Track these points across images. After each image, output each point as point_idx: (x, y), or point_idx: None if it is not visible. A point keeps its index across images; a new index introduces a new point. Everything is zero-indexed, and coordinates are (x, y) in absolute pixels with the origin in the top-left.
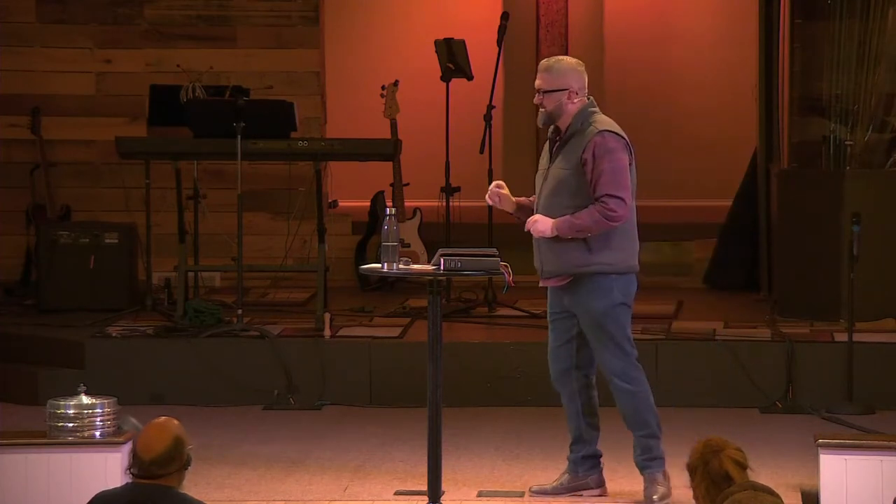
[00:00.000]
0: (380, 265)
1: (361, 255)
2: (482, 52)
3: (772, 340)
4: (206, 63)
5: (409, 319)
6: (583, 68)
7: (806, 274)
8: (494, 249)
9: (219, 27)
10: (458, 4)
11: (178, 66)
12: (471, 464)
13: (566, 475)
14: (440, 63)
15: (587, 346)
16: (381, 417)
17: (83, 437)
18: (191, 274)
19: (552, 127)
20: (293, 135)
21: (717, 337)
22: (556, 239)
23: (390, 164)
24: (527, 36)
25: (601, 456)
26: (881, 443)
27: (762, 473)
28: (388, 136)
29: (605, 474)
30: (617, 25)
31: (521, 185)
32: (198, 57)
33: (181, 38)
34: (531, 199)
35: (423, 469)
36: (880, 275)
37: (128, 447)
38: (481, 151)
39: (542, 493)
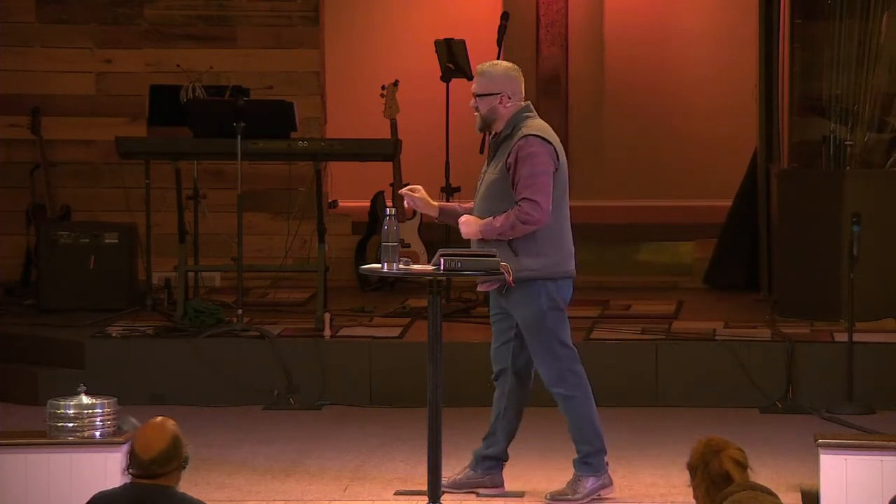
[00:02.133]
0: (380, 265)
1: (361, 255)
2: (482, 52)
3: (772, 340)
4: (206, 63)
5: (409, 319)
6: (517, 73)
7: (806, 274)
8: (494, 249)
9: (219, 27)
10: (458, 4)
11: (178, 66)
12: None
13: (467, 470)
14: (440, 63)
15: (525, 350)
16: (381, 417)
17: (83, 437)
18: (191, 274)
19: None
20: (293, 135)
21: (717, 337)
22: (486, 243)
23: (390, 164)
24: (527, 36)
25: (506, 460)
26: (881, 443)
27: (762, 473)
28: (388, 136)
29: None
30: (617, 25)
31: None
32: (198, 57)
33: (181, 38)
34: (462, 203)
35: (423, 469)
36: (880, 275)
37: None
38: (481, 151)
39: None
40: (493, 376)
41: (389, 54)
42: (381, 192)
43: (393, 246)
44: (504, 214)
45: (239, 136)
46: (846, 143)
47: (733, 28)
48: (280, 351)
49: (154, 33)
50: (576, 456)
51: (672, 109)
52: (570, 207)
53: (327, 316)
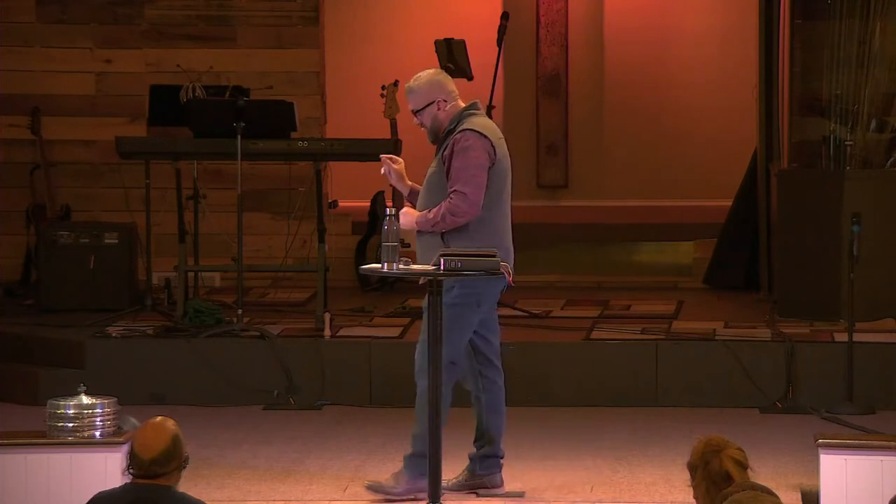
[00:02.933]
0: (380, 265)
1: (361, 255)
2: (482, 52)
3: (772, 340)
4: (206, 63)
5: (409, 319)
6: (443, 76)
7: (806, 274)
8: (494, 249)
9: (219, 27)
10: (458, 4)
11: (178, 66)
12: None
13: (465, 472)
14: (440, 63)
15: (483, 346)
16: (381, 417)
17: (83, 437)
18: (191, 274)
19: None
20: (293, 135)
21: (717, 337)
22: (421, 235)
23: None
24: (527, 36)
25: (502, 457)
26: (881, 443)
27: (762, 473)
28: (388, 136)
29: (605, 476)
30: (617, 25)
31: (520, 185)
32: (198, 57)
33: (181, 38)
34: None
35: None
36: (880, 275)
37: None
38: None
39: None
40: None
41: (389, 54)
42: (381, 192)
43: (393, 246)
44: (437, 206)
45: (239, 136)
46: (846, 143)
47: (733, 28)
48: (280, 351)
49: (154, 33)
50: (409, 452)
51: (672, 109)
52: (570, 207)
53: (327, 316)
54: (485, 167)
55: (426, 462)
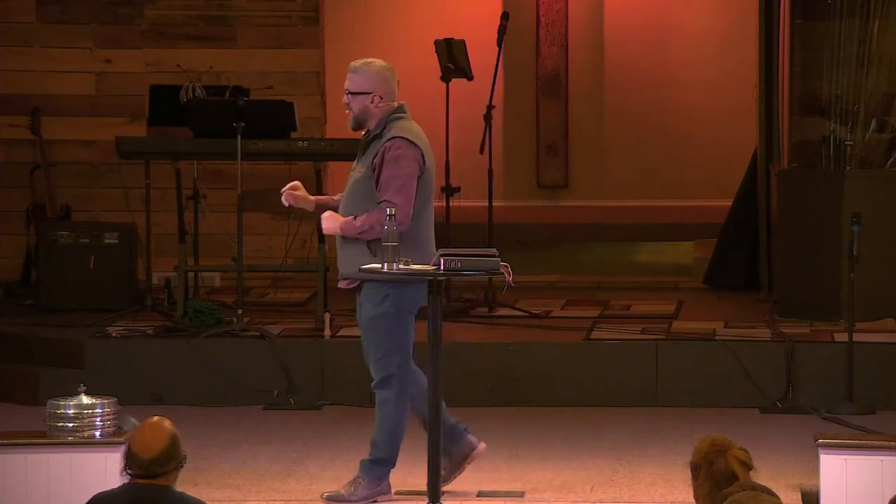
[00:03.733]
0: (380, 265)
1: None
2: (482, 52)
3: (772, 340)
4: (206, 63)
5: None
6: (392, 73)
7: (806, 274)
8: (494, 249)
9: (219, 27)
10: (458, 4)
11: (178, 66)
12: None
13: (448, 465)
14: (440, 63)
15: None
16: None
17: (83, 437)
18: (191, 274)
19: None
20: (293, 135)
21: (717, 337)
22: (345, 242)
23: None
24: (527, 36)
25: (393, 465)
26: (881, 443)
27: (762, 473)
28: None
29: (605, 476)
30: (617, 25)
31: (520, 184)
32: (198, 57)
33: (181, 38)
34: (333, 196)
35: (423, 469)
36: (880, 275)
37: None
38: (481, 151)
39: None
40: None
41: (389, 54)
42: None
43: (393, 246)
44: (365, 214)
45: (239, 136)
46: (846, 143)
47: (733, 28)
48: (280, 351)
49: (154, 33)
50: (367, 458)
51: (672, 109)
52: (570, 207)
53: (327, 316)
54: (415, 177)
55: (385, 468)
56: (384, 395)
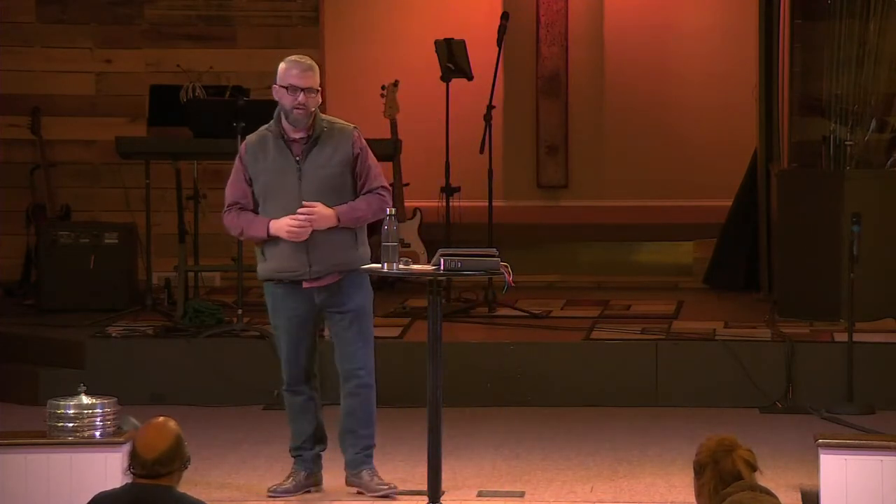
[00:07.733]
0: (380, 265)
1: None
2: (482, 52)
3: (772, 340)
4: (206, 63)
5: (409, 319)
6: None
7: (806, 274)
8: (494, 249)
9: (219, 27)
10: (458, 4)
11: (178, 66)
12: (471, 464)
13: (301, 472)
14: (440, 63)
15: (342, 347)
16: (380, 417)
17: (83, 437)
18: (191, 274)
19: (281, 127)
20: None
21: (717, 337)
22: (330, 235)
23: (390, 164)
24: (527, 36)
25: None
26: (881, 443)
27: (762, 473)
28: (388, 136)
29: (605, 476)
30: (617, 25)
31: (520, 184)
32: (198, 57)
33: (181, 38)
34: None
35: (423, 469)
36: (880, 275)
37: (128, 447)
38: (481, 151)
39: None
40: (289, 385)
41: (389, 54)
42: None
43: (393, 246)
44: (363, 200)
45: (239, 136)
46: (846, 143)
47: (733, 28)
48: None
49: (154, 33)
50: (367, 450)
51: (672, 109)
52: (570, 207)
53: None
54: None
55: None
56: (372, 381)
